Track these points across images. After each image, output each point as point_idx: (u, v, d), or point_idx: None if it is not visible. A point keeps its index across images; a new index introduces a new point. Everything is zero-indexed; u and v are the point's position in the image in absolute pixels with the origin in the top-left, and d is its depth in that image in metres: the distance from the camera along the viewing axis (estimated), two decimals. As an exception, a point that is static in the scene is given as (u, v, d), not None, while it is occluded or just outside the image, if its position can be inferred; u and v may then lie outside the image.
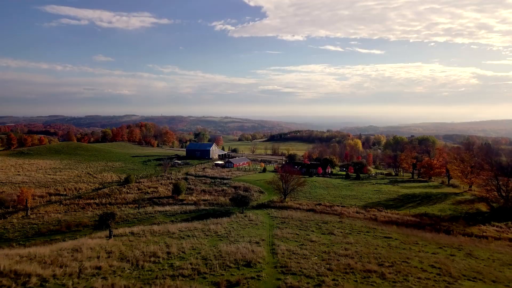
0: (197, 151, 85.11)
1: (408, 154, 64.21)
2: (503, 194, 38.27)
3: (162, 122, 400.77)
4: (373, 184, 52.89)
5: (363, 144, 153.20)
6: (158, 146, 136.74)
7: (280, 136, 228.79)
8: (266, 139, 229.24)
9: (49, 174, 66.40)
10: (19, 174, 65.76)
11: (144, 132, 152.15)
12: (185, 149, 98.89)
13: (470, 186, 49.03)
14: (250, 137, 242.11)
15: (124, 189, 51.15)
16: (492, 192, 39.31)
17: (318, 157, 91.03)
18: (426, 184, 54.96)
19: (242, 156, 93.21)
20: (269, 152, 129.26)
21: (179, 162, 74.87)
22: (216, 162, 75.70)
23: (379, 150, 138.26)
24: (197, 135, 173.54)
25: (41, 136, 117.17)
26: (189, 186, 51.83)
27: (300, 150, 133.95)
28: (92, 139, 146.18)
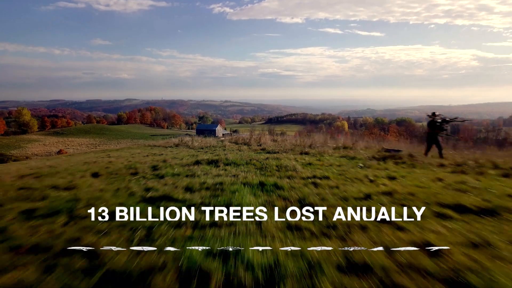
0: (205, 130, 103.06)
1: (369, 130, 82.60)
2: (419, 155, 57.32)
3: (163, 106, 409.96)
4: (339, 152, 71.71)
5: (350, 125, 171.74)
6: (167, 128, 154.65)
7: (277, 119, 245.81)
8: (264, 121, 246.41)
9: (91, 148, 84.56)
10: (68, 148, 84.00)
11: (154, 115, 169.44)
12: (191, 130, 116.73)
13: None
14: (250, 120, 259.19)
15: (155, 157, 69.74)
16: (413, 154, 58.43)
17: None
18: (380, 152, 73.78)
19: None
20: (265, 133, 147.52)
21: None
22: (221, 139, 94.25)
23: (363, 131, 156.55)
24: (201, 118, 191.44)
25: (68, 119, 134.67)
26: (203, 154, 70.53)
27: (293, 131, 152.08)
28: (105, 122, 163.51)
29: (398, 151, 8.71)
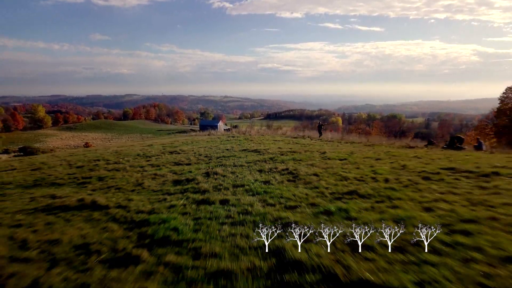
0: (208, 126, 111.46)
1: (356, 126, 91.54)
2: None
3: (164, 101, 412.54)
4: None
5: (345, 120, 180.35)
6: (171, 123, 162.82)
7: (275, 115, 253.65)
8: (263, 117, 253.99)
9: (106, 142, 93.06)
10: (85, 141, 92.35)
11: (158, 111, 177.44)
12: (193, 126, 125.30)
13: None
14: (249, 116, 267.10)
15: (165, 149, 78.42)
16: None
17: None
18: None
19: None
20: (264, 128, 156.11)
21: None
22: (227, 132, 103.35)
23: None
24: (202, 114, 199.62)
25: (78, 115, 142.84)
26: (208, 147, 79.34)
27: (290, 126, 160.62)
28: (111, 118, 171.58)
29: (301, 136, 18.17)
